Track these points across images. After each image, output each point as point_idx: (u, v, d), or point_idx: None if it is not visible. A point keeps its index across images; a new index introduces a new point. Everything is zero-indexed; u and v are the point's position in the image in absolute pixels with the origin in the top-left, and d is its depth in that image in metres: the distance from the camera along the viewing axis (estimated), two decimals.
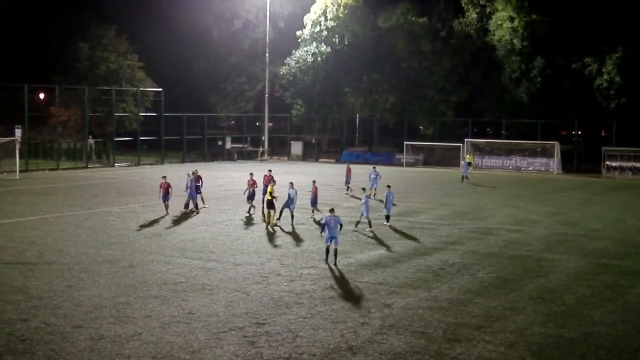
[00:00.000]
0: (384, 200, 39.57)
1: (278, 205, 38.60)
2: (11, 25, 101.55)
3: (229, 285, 25.13)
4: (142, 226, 37.46)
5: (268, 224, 37.86)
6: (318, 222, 38.29)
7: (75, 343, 18.80)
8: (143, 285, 24.79)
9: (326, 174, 55.56)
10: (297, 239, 34.66)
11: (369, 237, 35.68)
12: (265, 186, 41.79)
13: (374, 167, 55.01)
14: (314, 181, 43.50)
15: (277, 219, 38.50)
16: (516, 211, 46.20)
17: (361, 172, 58.63)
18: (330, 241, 28.94)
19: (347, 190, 53.22)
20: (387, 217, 39.33)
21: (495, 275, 27.46)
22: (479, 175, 74.61)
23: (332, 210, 29.62)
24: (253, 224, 38.91)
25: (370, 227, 37.04)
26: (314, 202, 41.90)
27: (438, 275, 27.24)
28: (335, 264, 28.69)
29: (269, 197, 37.97)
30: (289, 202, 39.00)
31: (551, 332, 20.54)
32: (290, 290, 24.59)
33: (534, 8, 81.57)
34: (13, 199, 47.93)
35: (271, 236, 35.38)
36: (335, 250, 29.03)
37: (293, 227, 37.68)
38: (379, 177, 52.25)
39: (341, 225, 29.68)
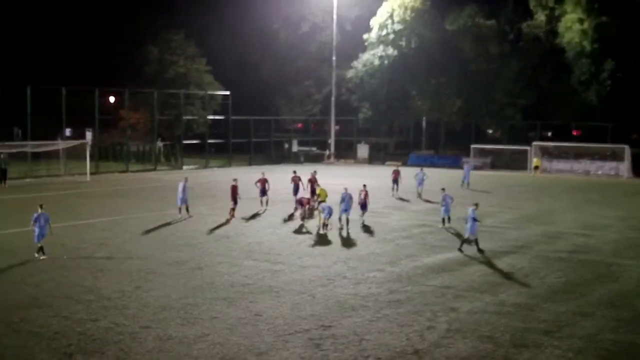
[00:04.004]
0: (441, 203, 39.56)
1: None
2: (82, 30, 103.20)
3: (295, 287, 25.23)
4: (210, 228, 37.78)
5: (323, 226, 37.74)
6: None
7: (144, 343, 19.08)
8: (210, 287, 25.02)
9: (387, 177, 55.32)
10: (363, 242, 34.63)
11: (452, 233, 37.18)
12: (312, 187, 45.44)
13: (421, 168, 55.95)
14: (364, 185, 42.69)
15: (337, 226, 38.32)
16: (586, 215, 45.54)
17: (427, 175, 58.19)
18: (344, 212, 37.44)
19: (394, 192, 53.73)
20: (444, 220, 39.43)
21: (564, 280, 27.12)
22: (547, 179, 73.74)
23: (346, 189, 38.35)
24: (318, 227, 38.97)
25: (448, 223, 39.10)
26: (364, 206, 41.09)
27: (505, 280, 26.99)
28: (347, 232, 36.60)
29: (321, 199, 39.35)
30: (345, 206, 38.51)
31: (621, 339, 20.22)
32: (356, 293, 24.60)
33: (604, 10, 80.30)
34: (84, 201, 48.76)
35: (337, 239, 35.38)
36: (347, 220, 37.69)
37: (347, 231, 37.44)
38: (425, 177, 53.83)
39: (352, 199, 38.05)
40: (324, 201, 39.20)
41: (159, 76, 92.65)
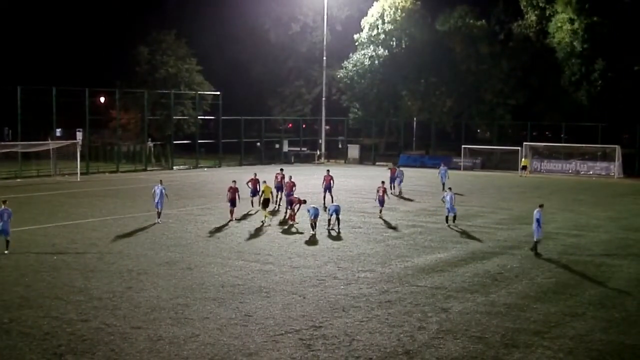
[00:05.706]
0: (444, 202, 40.43)
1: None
2: (73, 30, 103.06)
3: (286, 288, 25.22)
4: (200, 229, 37.74)
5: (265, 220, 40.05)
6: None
7: (135, 344, 19.05)
8: (201, 288, 24.99)
9: (383, 177, 55.37)
10: (353, 242, 34.62)
11: (457, 231, 38.14)
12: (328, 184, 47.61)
13: (399, 167, 58.19)
14: (383, 182, 44.30)
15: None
16: (576, 216, 45.62)
17: (418, 176, 58.35)
18: (334, 212, 37.41)
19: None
20: (447, 218, 40.18)
21: (555, 281, 27.17)
22: (537, 179, 73.83)
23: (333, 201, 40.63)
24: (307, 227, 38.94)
25: (452, 221, 40.00)
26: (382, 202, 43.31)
27: (496, 280, 27.02)
28: (338, 232, 36.73)
29: (265, 197, 40.92)
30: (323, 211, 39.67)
31: (612, 339, 20.26)
32: (346, 293, 24.59)
33: (595, 10, 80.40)
34: (74, 201, 48.64)
35: (328, 240, 35.35)
36: (338, 220, 37.43)
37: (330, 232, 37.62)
38: (403, 176, 55.88)
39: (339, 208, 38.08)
40: (268, 198, 41.21)
41: (150, 76, 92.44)
